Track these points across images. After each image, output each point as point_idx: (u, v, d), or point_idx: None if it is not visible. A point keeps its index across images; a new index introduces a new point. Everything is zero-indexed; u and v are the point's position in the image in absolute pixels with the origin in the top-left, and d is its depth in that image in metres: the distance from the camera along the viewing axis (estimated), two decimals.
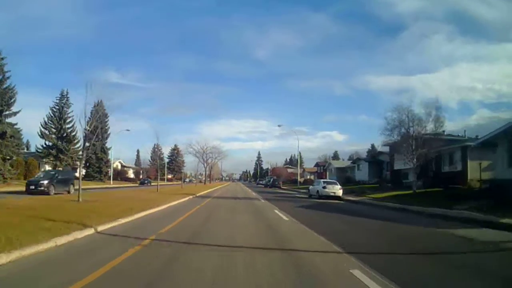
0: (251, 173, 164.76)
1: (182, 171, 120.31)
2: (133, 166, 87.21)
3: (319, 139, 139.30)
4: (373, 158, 46.78)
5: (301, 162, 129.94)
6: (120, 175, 75.88)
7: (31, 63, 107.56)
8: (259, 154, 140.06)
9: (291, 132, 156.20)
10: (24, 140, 58.16)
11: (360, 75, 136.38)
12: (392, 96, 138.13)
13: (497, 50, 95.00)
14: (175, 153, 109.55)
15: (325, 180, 25.59)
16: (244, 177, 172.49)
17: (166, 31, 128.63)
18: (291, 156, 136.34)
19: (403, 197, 20.76)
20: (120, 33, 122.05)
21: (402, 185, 32.63)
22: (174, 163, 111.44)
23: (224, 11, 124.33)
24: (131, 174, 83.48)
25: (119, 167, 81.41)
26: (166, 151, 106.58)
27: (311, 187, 26.26)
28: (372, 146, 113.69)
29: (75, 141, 53.19)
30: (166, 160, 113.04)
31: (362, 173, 44.75)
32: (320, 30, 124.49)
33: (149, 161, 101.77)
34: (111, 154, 64.32)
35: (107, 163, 61.31)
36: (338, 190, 22.93)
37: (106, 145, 62.96)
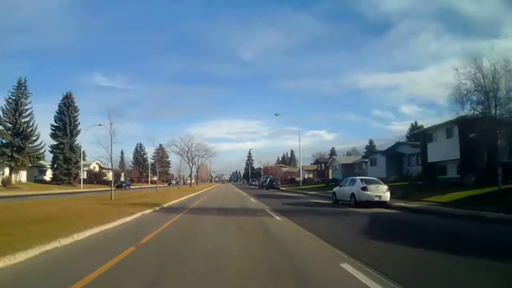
0: (241, 173, 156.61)
1: (169, 172, 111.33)
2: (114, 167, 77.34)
3: (309, 138, 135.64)
4: (391, 150, 39.00)
5: (295, 160, 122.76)
6: (97, 177, 66.43)
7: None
8: (249, 153, 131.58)
9: (281, 132, 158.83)
10: None
11: (348, 73, 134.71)
12: (380, 94, 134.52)
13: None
14: (160, 153, 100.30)
15: (364, 178, 17.16)
16: (234, 178, 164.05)
17: (153, 34, 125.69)
18: (284, 155, 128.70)
19: (497, 199, 12.81)
20: (107, 37, 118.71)
21: (439, 181, 25.01)
22: (159, 164, 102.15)
23: (210, 12, 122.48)
24: (110, 177, 73.83)
25: (97, 168, 71.89)
26: (151, 152, 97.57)
27: (338, 188, 17.90)
28: (371, 142, 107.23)
29: (34, 138, 43.93)
30: (151, 161, 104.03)
31: (378, 169, 36.78)
32: (307, 30, 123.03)
33: (132, 162, 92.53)
34: (82, 154, 54.89)
35: (77, 164, 51.95)
36: (384, 192, 14.73)
37: (76, 143, 53.45)
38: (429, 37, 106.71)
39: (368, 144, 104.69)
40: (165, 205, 14.65)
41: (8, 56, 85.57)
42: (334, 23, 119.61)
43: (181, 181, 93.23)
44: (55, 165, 51.46)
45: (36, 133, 43.42)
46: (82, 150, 53.35)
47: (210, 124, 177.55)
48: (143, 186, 67.99)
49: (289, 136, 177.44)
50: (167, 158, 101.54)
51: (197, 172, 67.86)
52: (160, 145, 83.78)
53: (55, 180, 51.54)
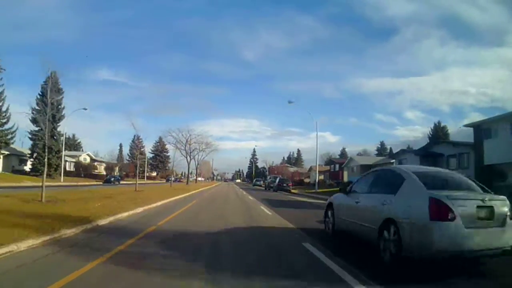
0: (244, 173, 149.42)
1: (168, 168, 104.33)
2: (107, 160, 70.65)
3: (312, 140, 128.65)
4: (425, 150, 31.70)
5: (302, 161, 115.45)
6: (86, 170, 59.60)
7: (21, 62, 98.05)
8: (254, 151, 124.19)
9: (284, 133, 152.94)
10: None
11: (352, 77, 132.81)
12: (383, 99, 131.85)
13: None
14: (160, 147, 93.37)
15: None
16: (237, 176, 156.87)
17: (156, 32, 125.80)
18: (289, 154, 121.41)
19: None
20: (110, 34, 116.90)
21: (501, 189, 17.63)
22: (158, 159, 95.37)
23: (214, 12, 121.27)
24: (103, 170, 66.98)
25: (88, 160, 65.14)
26: (150, 146, 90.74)
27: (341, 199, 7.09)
28: (382, 144, 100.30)
29: (4, 120, 37.08)
30: (150, 155, 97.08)
31: None
32: (310, 32, 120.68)
33: (128, 155, 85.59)
34: (75, 144, 48.12)
35: (59, 153, 45.07)
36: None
37: (59, 129, 46.53)
38: (433, 43, 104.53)
39: (379, 146, 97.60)
40: (103, 223, 7.48)
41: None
42: (338, 26, 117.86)
43: (183, 177, 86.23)
44: (34, 154, 44.70)
45: (7, 114, 36.52)
46: (65, 138, 46.42)
47: (212, 122, 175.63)
48: (140, 182, 61.11)
49: (292, 137, 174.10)
50: (167, 153, 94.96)
51: (196, 169, 60.81)
52: (160, 138, 75.97)
53: (34, 171, 44.83)
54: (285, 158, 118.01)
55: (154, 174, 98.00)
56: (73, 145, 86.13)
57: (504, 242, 4.12)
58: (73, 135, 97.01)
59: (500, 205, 4.31)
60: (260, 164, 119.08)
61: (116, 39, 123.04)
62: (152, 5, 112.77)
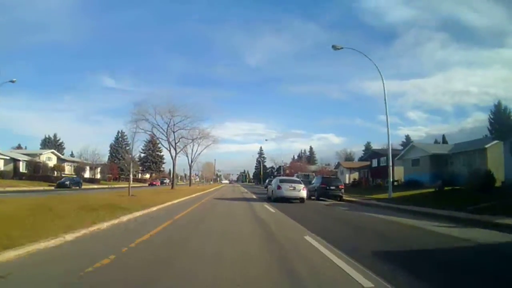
0: (250, 174, 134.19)
1: (162, 169, 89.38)
2: (78, 160, 55.62)
3: (316, 141, 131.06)
4: None
5: (315, 159, 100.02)
6: (45, 171, 44.81)
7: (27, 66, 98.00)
8: (261, 149, 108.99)
9: (288, 135, 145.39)
10: None
11: (355, 79, 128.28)
12: (387, 100, 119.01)
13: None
14: (151, 146, 78.59)
15: None
16: (242, 178, 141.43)
17: (160, 36, 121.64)
18: (300, 152, 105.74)
19: None
20: (113, 37, 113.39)
21: None
22: (150, 159, 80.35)
23: (217, 16, 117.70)
24: (71, 172, 51.95)
25: (53, 160, 50.46)
26: (141, 145, 75.91)
27: None
28: (407, 137, 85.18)
29: None
30: (141, 155, 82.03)
31: None
32: (313, 37, 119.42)
33: (111, 154, 70.52)
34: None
35: None
36: None
37: None
38: (435, 46, 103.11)
39: (405, 140, 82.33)
40: None
41: None
42: (341, 31, 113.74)
43: (166, 180, 71.27)
44: None
45: None
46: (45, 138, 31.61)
47: (216, 125, 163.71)
48: (115, 186, 46.43)
49: (296, 139, 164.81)
50: (160, 152, 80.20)
51: (190, 167, 46.03)
52: (152, 133, 55.74)
53: None
54: (295, 157, 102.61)
55: (147, 176, 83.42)
56: (54, 146, 71.95)
57: (297, 196, 16.03)
58: (54, 135, 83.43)
59: (298, 185, 16.32)
60: (268, 164, 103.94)
61: (117, 43, 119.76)
62: (155, 9, 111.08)
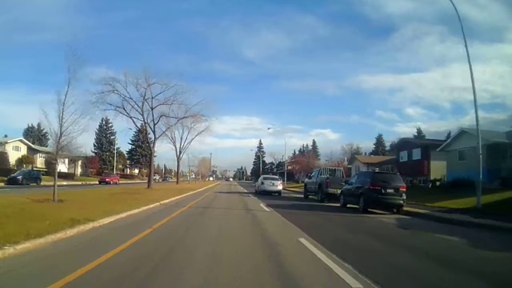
0: (248, 170, 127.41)
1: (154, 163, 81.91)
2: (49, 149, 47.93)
3: (313, 137, 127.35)
4: None
5: (318, 154, 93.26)
6: (4, 163, 37.58)
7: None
8: (260, 143, 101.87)
9: (285, 130, 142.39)
10: None
11: (353, 75, 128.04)
12: (384, 95, 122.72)
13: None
14: (142, 137, 71.03)
15: None
16: (240, 175, 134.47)
17: (157, 32, 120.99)
18: (302, 147, 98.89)
19: None
20: (111, 35, 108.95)
21: None
22: (139, 152, 72.63)
23: (214, 12, 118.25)
24: (41, 163, 44.48)
25: (21, 151, 43.04)
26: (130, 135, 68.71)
27: None
28: (419, 130, 78.65)
29: None
30: (129, 146, 74.58)
31: None
32: (311, 31, 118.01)
33: (94, 145, 62.97)
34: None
35: None
36: None
37: None
38: (433, 40, 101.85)
39: (416, 133, 75.58)
40: None
41: None
42: (338, 24, 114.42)
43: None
44: None
45: None
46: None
47: (214, 120, 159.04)
48: (90, 182, 39.31)
49: (293, 134, 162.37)
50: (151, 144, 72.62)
51: (178, 160, 38.90)
52: (144, 123, 40.39)
53: None
54: (296, 152, 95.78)
55: (136, 171, 76.05)
56: (38, 136, 64.34)
57: (272, 190, 23.09)
58: (38, 124, 75.47)
59: (275, 181, 23.95)
60: (267, 160, 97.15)
61: (115, 39, 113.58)
62: (153, 5, 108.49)
